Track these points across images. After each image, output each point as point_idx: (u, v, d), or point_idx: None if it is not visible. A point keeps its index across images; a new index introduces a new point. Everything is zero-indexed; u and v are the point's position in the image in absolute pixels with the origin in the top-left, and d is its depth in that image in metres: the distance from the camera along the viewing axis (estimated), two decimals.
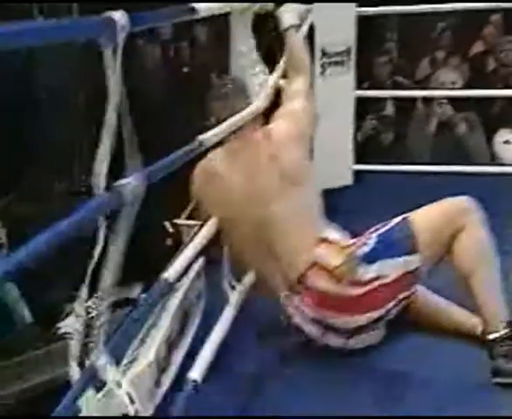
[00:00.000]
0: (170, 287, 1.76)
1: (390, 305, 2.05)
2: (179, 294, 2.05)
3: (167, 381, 1.88)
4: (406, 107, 4.30)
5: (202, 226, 3.29)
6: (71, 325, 3.44)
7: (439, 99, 4.01)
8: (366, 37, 3.31)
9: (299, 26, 2.42)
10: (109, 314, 1.39)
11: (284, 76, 2.47)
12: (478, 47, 5.17)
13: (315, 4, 2.90)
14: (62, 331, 3.37)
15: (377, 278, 2.01)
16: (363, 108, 4.15)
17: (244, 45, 2.31)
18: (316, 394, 1.93)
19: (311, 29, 2.93)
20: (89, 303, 3.73)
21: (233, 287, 2.18)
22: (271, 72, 2.69)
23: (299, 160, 2.11)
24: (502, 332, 1.94)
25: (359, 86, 3.41)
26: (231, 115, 2.00)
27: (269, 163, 2.09)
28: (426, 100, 4.17)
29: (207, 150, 1.88)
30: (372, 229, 2.11)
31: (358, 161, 3.29)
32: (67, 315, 3.57)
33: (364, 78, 4.41)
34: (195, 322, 2.25)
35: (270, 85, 2.37)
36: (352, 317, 2.03)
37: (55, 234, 1.06)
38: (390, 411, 1.82)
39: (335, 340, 2.07)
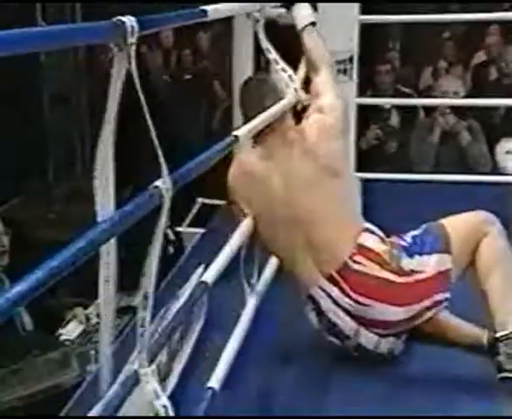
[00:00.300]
0: (208, 290, 1.73)
1: (427, 303, 2.06)
2: (180, 302, 2.04)
3: (168, 389, 1.87)
4: (410, 117, 4.30)
5: (204, 234, 3.29)
6: (71, 331, 3.45)
7: (441, 109, 4.01)
8: (369, 45, 3.31)
9: (314, 24, 2.38)
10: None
11: (306, 82, 2.46)
12: (480, 57, 5.18)
13: (318, 12, 2.90)
14: (63, 338, 3.37)
15: (415, 272, 2.05)
16: (368, 117, 4.17)
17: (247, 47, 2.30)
18: (326, 398, 1.94)
19: None
20: (89, 310, 3.72)
21: (252, 287, 2.18)
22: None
23: (335, 152, 2.13)
24: (510, 330, 1.98)
25: (362, 95, 3.40)
26: (263, 111, 2.01)
27: (306, 158, 2.10)
28: (429, 110, 4.17)
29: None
30: (402, 234, 2.15)
31: (361, 168, 3.28)
32: (68, 322, 3.57)
33: (367, 86, 4.42)
34: (196, 330, 2.24)
35: (297, 81, 2.32)
36: (391, 307, 2.04)
37: (94, 236, 1.06)
38: (395, 412, 1.84)
39: (368, 337, 2.06)
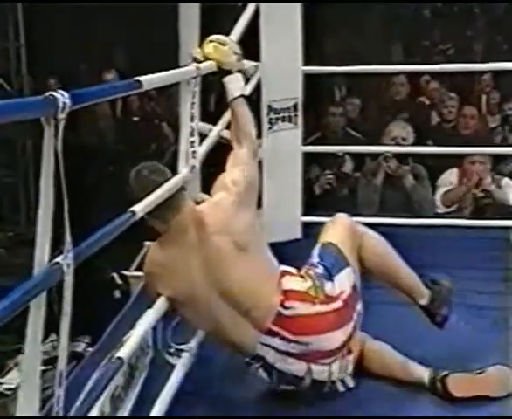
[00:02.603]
0: (122, 364, 1.79)
1: (355, 316, 2.19)
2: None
3: None
4: (362, 162, 4.39)
5: None
6: (12, 380, 3.35)
7: (385, 153, 4.09)
8: (316, 88, 3.37)
9: (245, 97, 2.40)
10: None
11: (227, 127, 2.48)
12: (423, 101, 5.35)
13: (262, 61, 2.95)
14: (3, 387, 3.28)
15: (341, 293, 2.16)
16: (322, 162, 4.26)
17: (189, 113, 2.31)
18: None
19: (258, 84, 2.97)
20: None
21: (179, 352, 2.19)
22: (214, 123, 2.72)
23: (243, 226, 2.16)
24: (426, 292, 2.29)
25: (309, 137, 3.44)
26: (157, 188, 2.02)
27: (217, 236, 2.13)
28: (374, 154, 4.25)
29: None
30: (306, 265, 2.24)
31: (313, 214, 3.34)
32: (9, 370, 3.47)
33: (315, 129, 4.50)
34: (142, 376, 2.22)
35: (198, 159, 2.41)
36: (330, 333, 2.13)
37: None
38: None
39: (319, 371, 2.13)
